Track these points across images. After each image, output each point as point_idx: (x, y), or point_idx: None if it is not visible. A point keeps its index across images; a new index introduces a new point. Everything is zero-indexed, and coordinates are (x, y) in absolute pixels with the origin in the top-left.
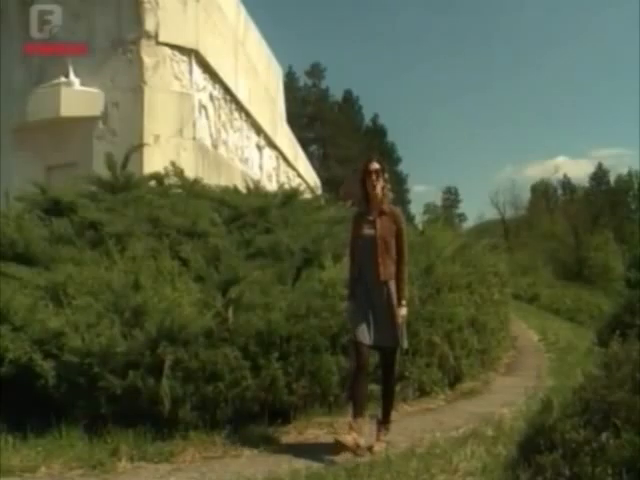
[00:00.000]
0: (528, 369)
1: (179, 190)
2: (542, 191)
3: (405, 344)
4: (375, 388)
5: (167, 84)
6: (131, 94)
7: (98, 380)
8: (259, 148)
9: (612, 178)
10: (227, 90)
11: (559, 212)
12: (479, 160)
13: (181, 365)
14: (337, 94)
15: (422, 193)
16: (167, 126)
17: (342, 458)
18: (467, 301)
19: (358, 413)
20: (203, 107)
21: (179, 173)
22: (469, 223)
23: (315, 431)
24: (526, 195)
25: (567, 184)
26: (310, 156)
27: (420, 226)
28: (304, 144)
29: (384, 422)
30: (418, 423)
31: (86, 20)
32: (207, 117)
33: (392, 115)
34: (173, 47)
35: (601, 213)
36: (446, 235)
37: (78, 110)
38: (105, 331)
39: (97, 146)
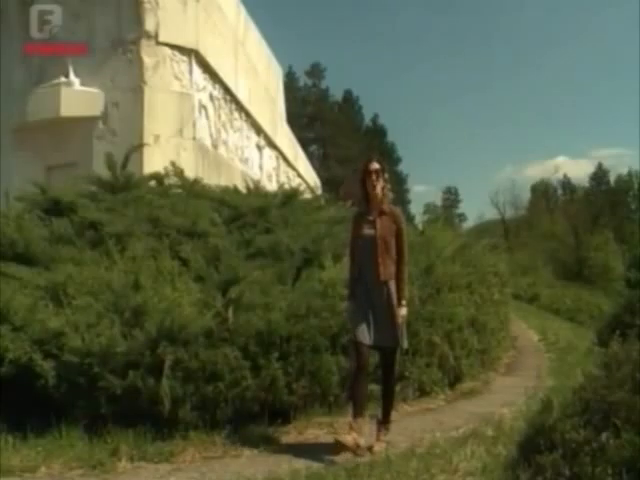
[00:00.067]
0: (528, 369)
1: (179, 190)
2: (542, 191)
3: (405, 344)
4: (375, 388)
5: (167, 84)
6: (131, 94)
7: (98, 380)
8: (259, 148)
9: (612, 178)
10: (227, 90)
11: (559, 212)
12: (479, 160)
13: (181, 365)
14: (337, 94)
15: (422, 193)
16: (167, 126)
17: (342, 458)
18: (467, 301)
19: (358, 413)
20: (203, 107)
21: (179, 173)
22: (469, 223)
23: (315, 431)
24: (526, 195)
25: (567, 184)
26: (310, 156)
27: (420, 226)
28: (304, 144)
29: (384, 422)
30: (418, 423)
31: (86, 20)
32: (207, 117)
33: (392, 115)
34: (173, 47)
35: (601, 213)
36: (446, 235)
37: (78, 110)
38: (105, 331)
39: (97, 146)
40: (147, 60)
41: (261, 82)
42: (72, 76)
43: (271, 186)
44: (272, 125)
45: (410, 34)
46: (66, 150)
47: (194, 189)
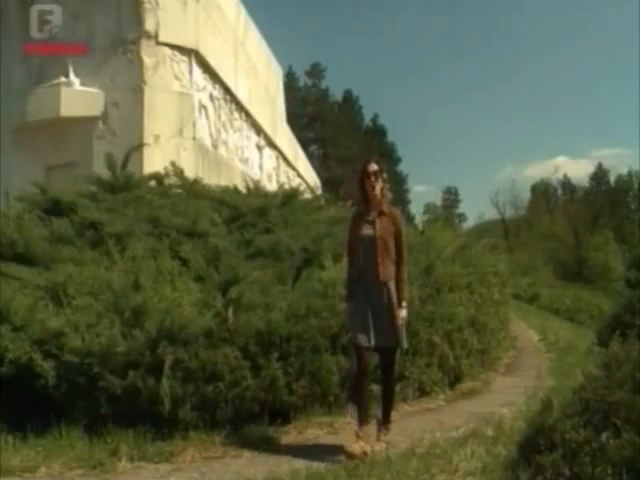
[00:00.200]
0: (528, 369)
1: (179, 190)
2: (542, 191)
3: (405, 344)
4: (375, 388)
5: (167, 84)
6: (131, 94)
7: (98, 380)
8: (259, 148)
9: (612, 178)
10: (227, 90)
11: (559, 212)
12: (479, 160)
13: (181, 365)
14: (337, 94)
15: (422, 193)
16: (167, 126)
17: (342, 458)
18: (467, 301)
19: (364, 420)
20: (203, 107)
21: (179, 173)
22: (469, 223)
23: (315, 431)
24: (526, 195)
25: (567, 184)
26: (310, 156)
27: (420, 226)
28: (304, 144)
29: (384, 422)
30: (418, 423)
31: (86, 20)
32: (207, 117)
33: (392, 115)
34: (173, 47)
35: (601, 213)
36: (446, 235)
37: (78, 110)
38: (105, 331)
39: (97, 146)
40: (147, 60)
41: (261, 82)
42: (72, 76)
43: (271, 186)
44: (272, 125)
45: (410, 34)
46: (66, 150)
47: (194, 189)
